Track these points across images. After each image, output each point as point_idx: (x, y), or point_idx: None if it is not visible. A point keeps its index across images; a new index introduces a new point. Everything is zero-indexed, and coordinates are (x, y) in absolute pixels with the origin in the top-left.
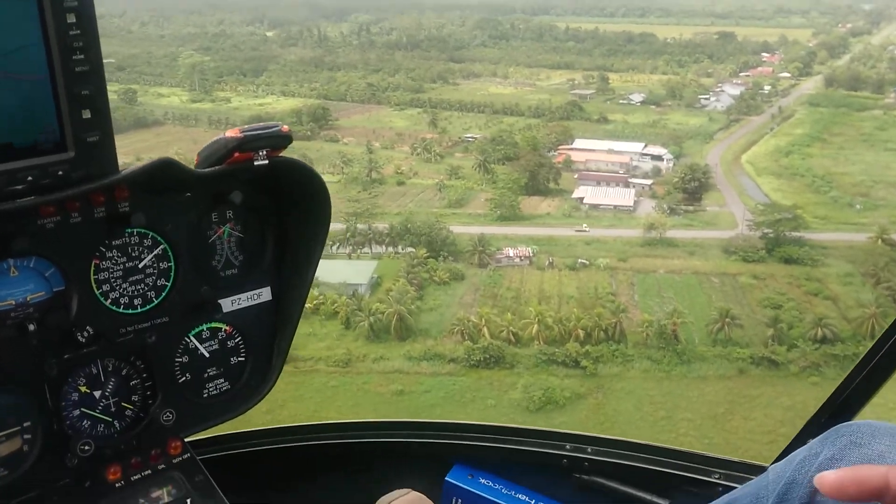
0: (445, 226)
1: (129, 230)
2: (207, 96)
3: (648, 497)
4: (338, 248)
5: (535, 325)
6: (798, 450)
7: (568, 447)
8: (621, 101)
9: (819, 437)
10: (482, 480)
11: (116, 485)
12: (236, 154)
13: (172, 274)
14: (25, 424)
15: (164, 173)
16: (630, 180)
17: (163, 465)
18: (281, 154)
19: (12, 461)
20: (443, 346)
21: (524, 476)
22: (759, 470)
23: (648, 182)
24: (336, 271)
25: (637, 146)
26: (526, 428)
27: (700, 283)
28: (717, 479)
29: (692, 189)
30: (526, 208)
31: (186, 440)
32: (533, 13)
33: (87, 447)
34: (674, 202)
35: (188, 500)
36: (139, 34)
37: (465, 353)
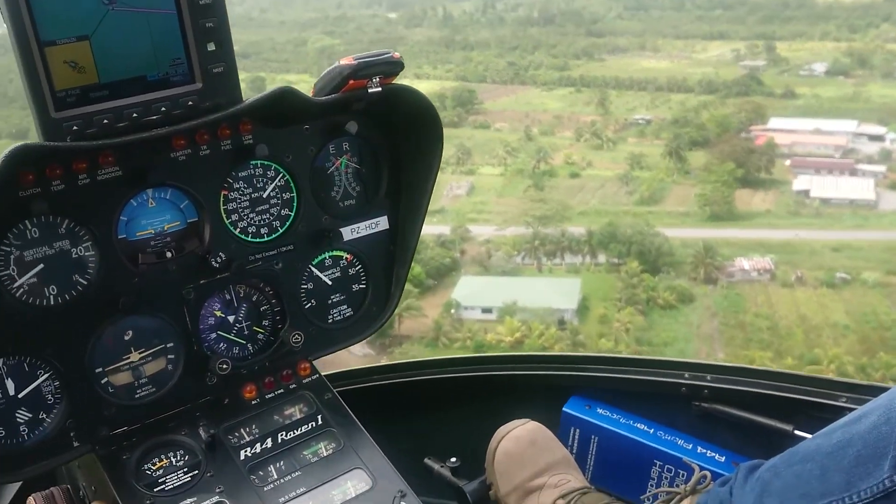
0: (658, 230)
1: (254, 162)
2: None
3: (771, 423)
4: (523, 258)
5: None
6: None
7: (686, 375)
8: (801, 73)
9: None
10: (600, 410)
11: (252, 402)
12: (351, 81)
13: (295, 204)
14: (169, 346)
15: (283, 101)
16: (857, 167)
17: (294, 385)
18: (394, 82)
19: (159, 379)
20: None
21: (642, 405)
22: None
23: (881, 168)
24: (534, 292)
25: (848, 124)
26: (642, 358)
27: None
28: (844, 402)
29: None
30: (737, 204)
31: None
32: None
33: (224, 366)
34: None
35: (319, 417)
36: (259, 21)
37: None
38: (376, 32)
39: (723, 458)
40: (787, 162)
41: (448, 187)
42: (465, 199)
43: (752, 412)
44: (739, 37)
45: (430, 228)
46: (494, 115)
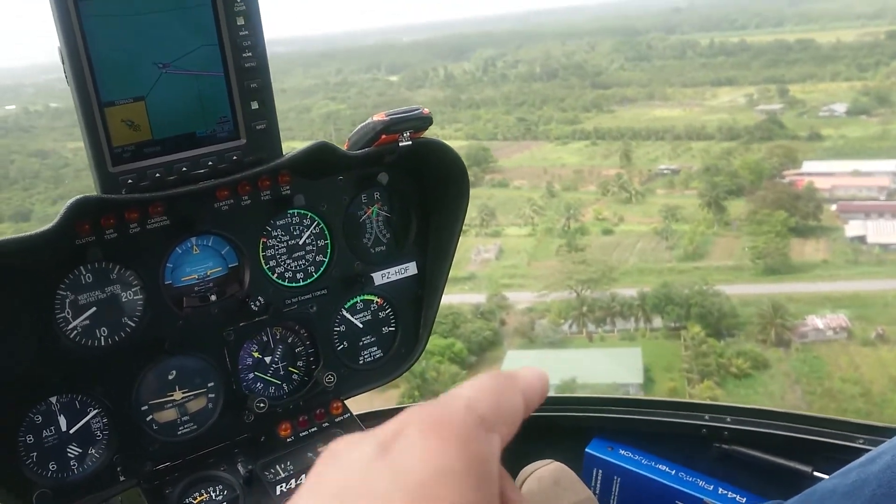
0: (717, 290)
1: (291, 211)
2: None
3: (791, 464)
4: (570, 326)
5: None
6: None
7: (707, 417)
8: (821, 114)
9: None
10: (622, 452)
11: (287, 440)
12: (383, 136)
13: (329, 250)
14: (209, 385)
15: (320, 155)
16: None
17: (326, 424)
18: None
19: (200, 417)
20: None
21: (663, 447)
22: None
23: None
24: (591, 365)
25: (887, 164)
26: (664, 400)
27: None
28: (862, 444)
29: None
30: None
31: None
32: (657, 32)
33: (262, 405)
34: None
35: None
36: None
37: None
38: (379, 96)
39: (743, 500)
40: (833, 207)
41: (475, 251)
42: (494, 263)
43: (771, 454)
44: (748, 81)
45: (464, 297)
46: (511, 173)
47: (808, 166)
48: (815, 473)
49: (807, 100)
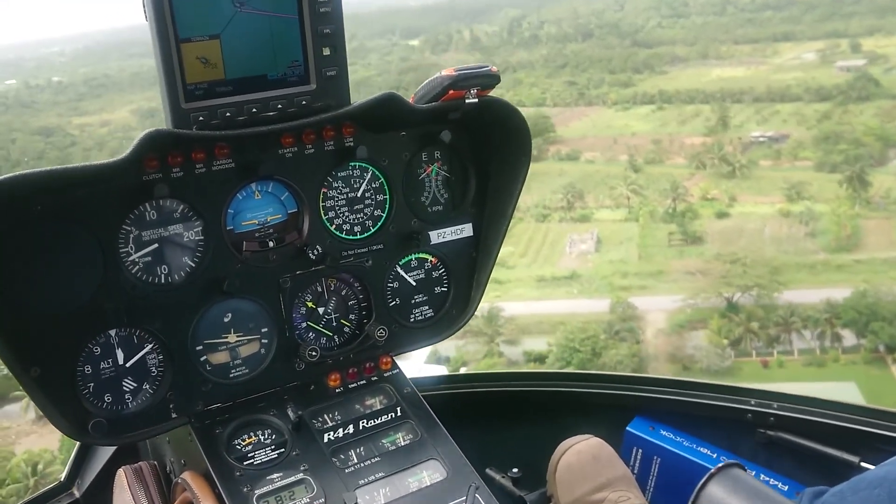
0: None
1: (353, 163)
2: None
3: (838, 454)
4: (730, 350)
5: None
6: None
7: (752, 402)
8: None
9: None
10: (663, 432)
11: (336, 390)
12: (450, 91)
13: (387, 206)
14: (263, 330)
15: (388, 106)
16: None
17: (375, 378)
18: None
19: (252, 361)
20: None
21: (706, 430)
22: None
23: None
24: None
25: None
26: (709, 382)
27: None
28: None
29: None
30: None
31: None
32: None
33: (314, 353)
34: None
35: (398, 409)
36: None
37: None
38: (402, 61)
39: (786, 487)
40: None
41: (568, 241)
42: (595, 257)
43: (818, 442)
44: (806, 37)
45: (576, 303)
46: (575, 143)
47: None
48: (863, 464)
49: (889, 55)
